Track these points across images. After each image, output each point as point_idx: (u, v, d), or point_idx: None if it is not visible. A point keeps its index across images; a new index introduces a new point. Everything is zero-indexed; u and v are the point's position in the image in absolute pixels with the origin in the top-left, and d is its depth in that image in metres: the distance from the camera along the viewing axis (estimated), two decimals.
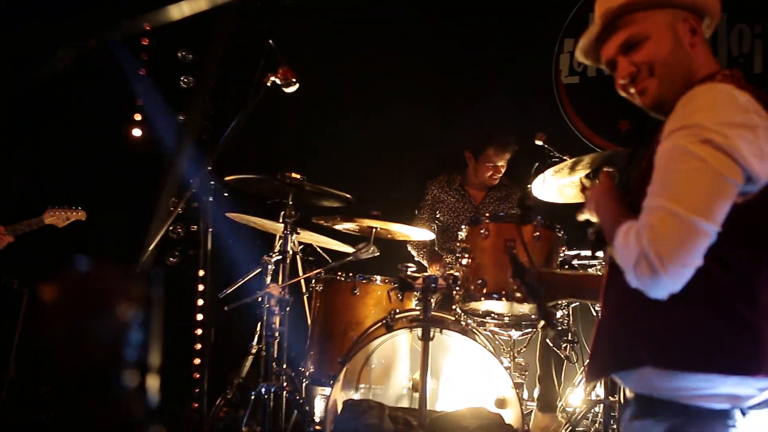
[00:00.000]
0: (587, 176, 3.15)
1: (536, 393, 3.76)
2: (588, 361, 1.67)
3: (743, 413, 1.42)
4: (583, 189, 1.80)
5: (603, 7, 1.66)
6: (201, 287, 5.10)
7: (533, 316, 3.15)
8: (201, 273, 5.07)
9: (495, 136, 4.21)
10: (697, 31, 1.62)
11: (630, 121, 4.69)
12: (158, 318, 0.86)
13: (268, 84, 3.37)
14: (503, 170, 4.27)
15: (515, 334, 3.36)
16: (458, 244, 3.15)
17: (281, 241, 3.48)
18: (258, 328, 3.90)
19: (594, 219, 1.69)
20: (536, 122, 4.81)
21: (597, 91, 4.83)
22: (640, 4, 1.61)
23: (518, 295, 3.00)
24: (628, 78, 1.63)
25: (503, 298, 2.99)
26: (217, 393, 3.81)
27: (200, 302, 5.07)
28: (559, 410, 3.65)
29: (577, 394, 3.74)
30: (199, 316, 5.02)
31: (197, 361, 5.02)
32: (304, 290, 3.89)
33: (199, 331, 5.00)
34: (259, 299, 3.28)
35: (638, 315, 1.48)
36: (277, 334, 3.12)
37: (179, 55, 5.58)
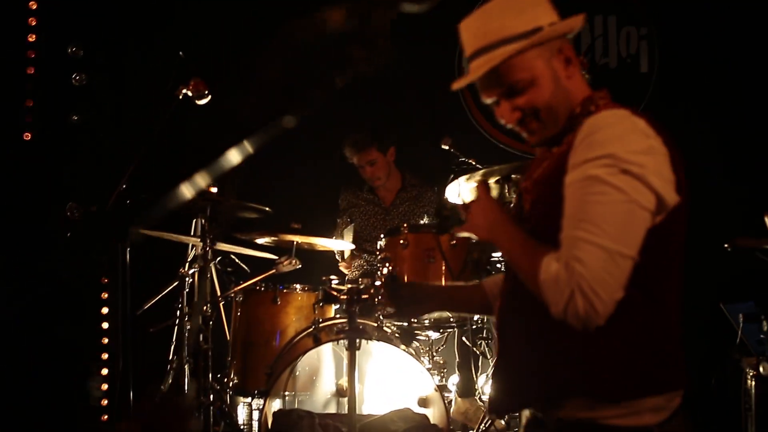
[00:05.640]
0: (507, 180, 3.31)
1: (455, 380, 3.93)
2: (494, 392, 1.60)
3: (660, 427, 1.46)
4: (462, 205, 1.68)
5: (477, 69, 1.54)
6: (105, 296, 4.99)
7: (451, 319, 3.30)
8: (105, 281, 4.97)
9: (349, 137, 4.28)
10: (571, 59, 1.57)
11: None
12: None
13: (180, 96, 3.33)
14: (380, 170, 4.29)
15: (434, 334, 3.51)
16: (379, 254, 3.24)
17: (198, 253, 3.47)
18: (174, 340, 3.88)
19: (475, 238, 1.64)
20: (443, 123, 4.96)
21: None
22: (513, 54, 1.52)
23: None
24: (513, 123, 1.58)
25: None
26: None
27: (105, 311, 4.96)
28: (476, 396, 3.85)
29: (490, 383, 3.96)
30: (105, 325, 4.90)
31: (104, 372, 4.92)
32: (219, 299, 3.87)
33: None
34: (186, 316, 3.26)
35: (559, 345, 1.45)
36: (204, 350, 3.13)
37: (70, 51, 5.33)
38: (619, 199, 1.36)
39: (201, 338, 3.09)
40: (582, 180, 1.40)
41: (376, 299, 1.99)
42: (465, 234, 1.65)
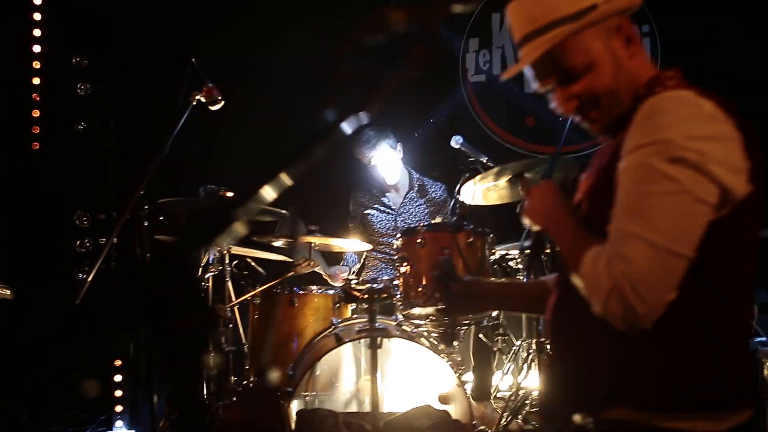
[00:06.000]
0: (520, 177, 3.34)
1: (470, 378, 3.97)
2: (546, 395, 1.53)
3: None
4: (524, 192, 1.56)
5: (528, 56, 1.45)
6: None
7: (470, 315, 3.33)
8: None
9: (357, 137, 4.29)
10: (632, 37, 1.46)
11: (535, 117, 4.97)
12: None
13: (194, 103, 3.37)
14: (395, 166, 4.31)
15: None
16: (395, 253, 3.27)
17: (215, 257, 3.50)
18: None
19: (535, 227, 1.54)
20: (448, 122, 5.01)
21: (502, 88, 5.08)
22: (567, 36, 1.41)
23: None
24: (571, 113, 1.47)
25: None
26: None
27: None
28: (492, 397, 3.88)
29: (506, 381, 4.00)
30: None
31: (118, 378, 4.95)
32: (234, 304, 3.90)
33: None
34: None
35: (610, 348, 1.33)
36: (225, 352, 3.16)
37: (74, 60, 5.35)
38: (673, 191, 1.24)
39: (224, 341, 3.12)
40: (634, 168, 1.28)
41: (427, 293, 1.84)
42: (524, 220, 1.56)
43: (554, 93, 1.48)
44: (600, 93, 1.43)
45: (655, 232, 1.23)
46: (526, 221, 1.56)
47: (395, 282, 3.19)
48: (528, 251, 1.58)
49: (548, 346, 1.53)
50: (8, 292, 3.85)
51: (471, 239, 3.13)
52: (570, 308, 1.40)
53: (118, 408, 4.71)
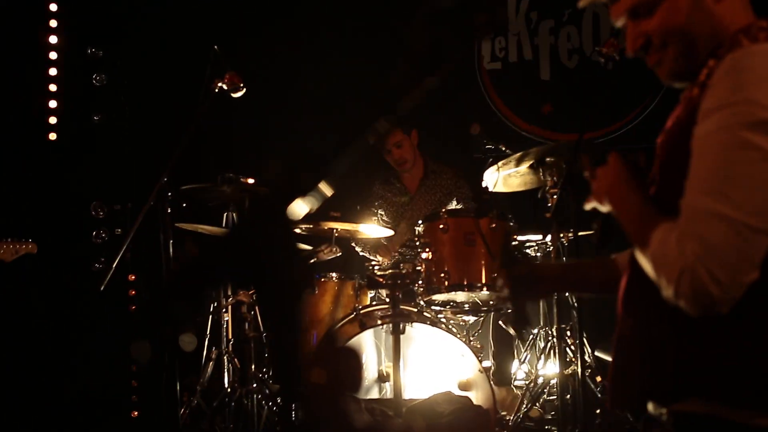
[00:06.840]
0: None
1: (489, 365, 3.98)
2: (612, 382, 1.39)
3: None
4: (589, 172, 1.42)
5: None
6: (133, 292, 5.07)
7: (491, 302, 3.34)
8: (132, 278, 5.04)
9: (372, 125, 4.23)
10: None
11: (551, 104, 4.96)
12: None
13: (216, 90, 3.38)
14: (407, 152, 4.27)
15: (469, 318, 3.55)
16: (417, 239, 3.28)
17: None
18: (208, 332, 3.93)
19: (603, 209, 1.41)
20: (463, 109, 5.00)
21: (518, 76, 5.07)
22: None
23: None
24: (637, 50, 1.32)
25: (465, 289, 3.16)
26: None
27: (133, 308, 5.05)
28: (512, 384, 3.90)
29: (523, 369, 4.00)
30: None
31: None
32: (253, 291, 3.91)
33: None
34: (223, 307, 3.31)
35: (684, 333, 1.21)
36: (249, 338, 3.18)
37: (89, 51, 5.37)
38: (755, 159, 1.10)
39: (247, 327, 3.14)
40: (710, 134, 1.15)
41: (494, 281, 1.68)
42: (591, 204, 1.43)
43: (626, 29, 1.34)
44: (670, 34, 1.28)
45: (732, 206, 1.10)
46: (592, 203, 1.42)
47: (417, 268, 3.20)
48: (594, 237, 1.43)
49: (619, 326, 1.38)
50: (33, 246, 3.77)
51: (494, 225, 3.14)
52: (642, 289, 1.27)
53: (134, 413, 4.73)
